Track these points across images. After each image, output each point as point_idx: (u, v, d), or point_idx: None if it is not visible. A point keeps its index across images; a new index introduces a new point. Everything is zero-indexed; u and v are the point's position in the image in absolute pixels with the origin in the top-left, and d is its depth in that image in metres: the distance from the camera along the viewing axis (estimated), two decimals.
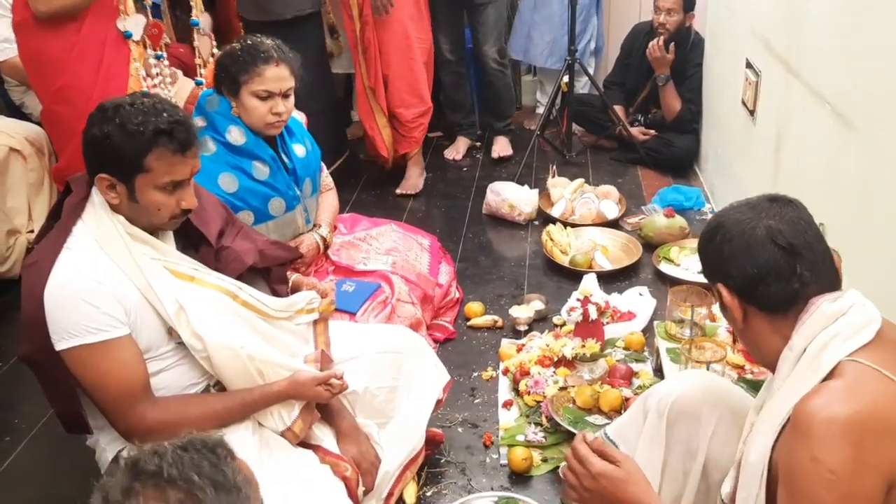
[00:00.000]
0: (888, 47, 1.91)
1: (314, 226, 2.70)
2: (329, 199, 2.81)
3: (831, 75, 2.28)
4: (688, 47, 4.09)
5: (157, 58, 2.73)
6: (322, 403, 1.88)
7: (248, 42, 2.41)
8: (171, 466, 0.94)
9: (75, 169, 1.84)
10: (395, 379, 2.06)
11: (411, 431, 2.05)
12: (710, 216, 3.44)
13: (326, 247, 2.72)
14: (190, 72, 3.16)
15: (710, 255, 1.38)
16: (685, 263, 3.19)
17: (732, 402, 1.61)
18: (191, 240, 1.84)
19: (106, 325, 1.61)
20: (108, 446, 1.77)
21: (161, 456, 0.95)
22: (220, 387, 1.80)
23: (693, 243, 3.31)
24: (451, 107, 4.57)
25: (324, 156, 2.78)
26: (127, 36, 2.63)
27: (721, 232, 1.35)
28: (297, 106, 2.58)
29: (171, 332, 1.71)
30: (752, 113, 3.09)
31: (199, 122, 2.43)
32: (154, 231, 1.72)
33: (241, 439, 1.72)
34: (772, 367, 1.35)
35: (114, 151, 1.61)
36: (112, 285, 1.63)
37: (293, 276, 2.16)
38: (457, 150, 4.55)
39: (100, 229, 1.67)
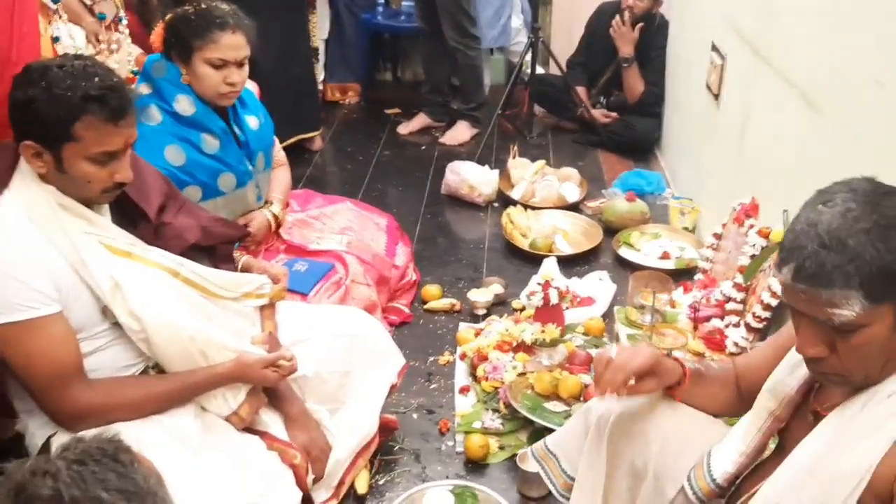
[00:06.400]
0: (856, 29, 1.87)
1: (265, 202, 2.61)
2: (281, 175, 2.71)
3: (799, 58, 2.25)
4: (653, 29, 4.05)
5: (101, 18, 2.57)
6: (270, 387, 1.82)
7: (203, 6, 2.30)
8: (71, 486, 0.81)
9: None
10: (348, 363, 2.01)
11: (364, 417, 2.01)
12: (670, 201, 3.41)
13: (278, 225, 2.64)
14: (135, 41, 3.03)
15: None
16: (645, 249, 3.16)
17: (677, 416, 1.56)
18: (128, 214, 1.74)
19: (34, 301, 1.52)
20: (37, 431, 1.67)
21: (54, 476, 0.82)
22: (158, 369, 1.72)
23: (653, 228, 3.28)
24: (424, 78, 4.59)
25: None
26: (101, 18, 2.46)
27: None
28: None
29: (105, 311, 1.63)
30: (716, 97, 3.05)
31: (143, 89, 2.31)
32: (87, 203, 1.63)
33: (182, 424, 1.66)
34: (868, 382, 1.24)
35: (38, 117, 1.51)
36: (41, 260, 1.54)
37: (244, 258, 2.10)
38: (407, 126, 4.46)
39: (28, 200, 1.57)
